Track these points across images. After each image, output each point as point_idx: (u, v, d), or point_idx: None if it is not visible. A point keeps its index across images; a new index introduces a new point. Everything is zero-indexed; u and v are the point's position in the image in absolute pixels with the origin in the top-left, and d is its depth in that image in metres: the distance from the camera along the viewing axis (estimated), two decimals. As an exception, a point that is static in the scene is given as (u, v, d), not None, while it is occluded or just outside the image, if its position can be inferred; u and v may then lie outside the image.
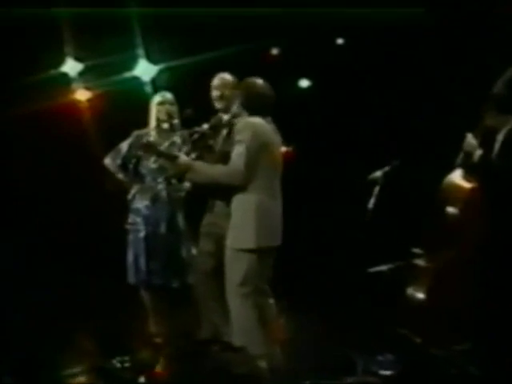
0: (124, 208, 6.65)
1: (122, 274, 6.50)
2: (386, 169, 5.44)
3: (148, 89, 8.82)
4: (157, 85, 8.63)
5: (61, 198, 8.97)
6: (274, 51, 9.42)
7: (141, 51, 8.77)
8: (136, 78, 8.86)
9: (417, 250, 5.43)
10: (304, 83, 9.50)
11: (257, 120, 5.41)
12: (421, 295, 5.32)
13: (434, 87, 8.34)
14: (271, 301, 5.49)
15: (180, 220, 6.52)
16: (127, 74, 8.84)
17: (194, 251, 6.39)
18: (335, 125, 9.22)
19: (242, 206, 5.34)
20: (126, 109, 8.58)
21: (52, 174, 9.00)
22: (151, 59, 8.83)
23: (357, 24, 8.55)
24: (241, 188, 5.31)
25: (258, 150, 5.30)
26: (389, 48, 8.73)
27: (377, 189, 5.33)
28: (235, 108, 5.58)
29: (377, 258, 5.62)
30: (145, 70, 8.86)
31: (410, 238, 5.45)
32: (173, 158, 5.67)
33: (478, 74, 7.04)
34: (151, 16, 8.64)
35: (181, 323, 6.54)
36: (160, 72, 8.84)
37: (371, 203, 5.28)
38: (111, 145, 8.25)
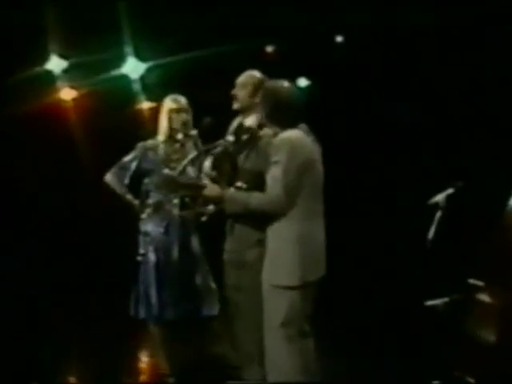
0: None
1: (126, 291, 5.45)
2: (449, 191, 4.36)
3: (137, 87, 8.32)
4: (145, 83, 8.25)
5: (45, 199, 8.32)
6: (270, 49, 8.59)
7: (129, 48, 8.04)
8: (124, 77, 8.21)
9: (475, 282, 4.41)
10: (302, 82, 8.50)
11: (294, 134, 4.32)
12: (486, 335, 4.32)
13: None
14: (312, 343, 4.41)
15: (194, 243, 5.37)
16: (115, 72, 8.16)
17: (211, 279, 5.34)
18: (335, 125, 8.29)
19: (282, 235, 4.26)
20: (113, 108, 8.06)
21: (36, 176, 8.21)
22: (140, 56, 8.14)
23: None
24: (279, 214, 4.23)
25: (298, 171, 4.23)
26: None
27: (438, 214, 4.27)
28: (261, 117, 4.46)
29: (429, 289, 4.58)
30: (133, 67, 8.19)
31: (465, 267, 4.43)
32: (199, 189, 4.48)
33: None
34: (141, 11, 7.82)
35: (197, 360, 5.52)
36: (149, 70, 8.23)
37: (432, 231, 4.22)
38: (99, 147, 7.53)
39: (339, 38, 8.53)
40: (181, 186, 4.75)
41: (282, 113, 4.36)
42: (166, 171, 4.99)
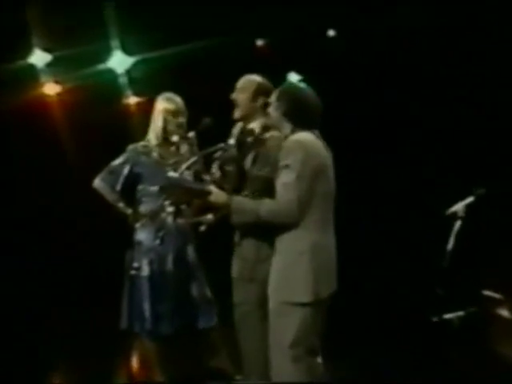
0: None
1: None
2: (470, 200, 4.02)
3: (123, 82, 8.10)
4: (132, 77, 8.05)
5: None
6: (261, 43, 8.31)
7: (115, 41, 7.72)
8: (110, 71, 7.94)
9: (491, 294, 4.11)
10: (293, 77, 8.19)
11: (308, 137, 3.96)
12: (507, 351, 4.03)
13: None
14: (320, 359, 4.08)
15: (190, 252, 4.95)
16: (101, 66, 7.87)
17: (207, 289, 4.95)
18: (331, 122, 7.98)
19: (293, 247, 3.89)
20: (99, 103, 7.76)
21: (19, 174, 7.93)
22: (126, 50, 7.85)
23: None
24: (290, 223, 3.88)
25: (311, 177, 3.86)
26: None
27: (457, 225, 3.93)
28: (272, 117, 4.09)
29: (445, 302, 4.25)
30: (120, 61, 7.91)
31: (479, 278, 4.13)
32: (204, 195, 4.08)
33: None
34: (127, 4, 7.45)
35: (194, 373, 5.08)
36: (135, 64, 7.94)
37: (451, 244, 3.89)
38: (85, 143, 7.27)
39: (331, 32, 8.23)
40: (185, 190, 4.33)
41: (300, 111, 3.98)
42: (171, 174, 4.54)
